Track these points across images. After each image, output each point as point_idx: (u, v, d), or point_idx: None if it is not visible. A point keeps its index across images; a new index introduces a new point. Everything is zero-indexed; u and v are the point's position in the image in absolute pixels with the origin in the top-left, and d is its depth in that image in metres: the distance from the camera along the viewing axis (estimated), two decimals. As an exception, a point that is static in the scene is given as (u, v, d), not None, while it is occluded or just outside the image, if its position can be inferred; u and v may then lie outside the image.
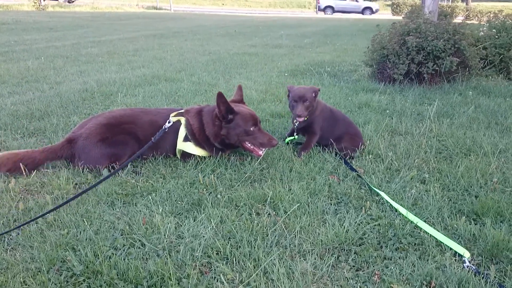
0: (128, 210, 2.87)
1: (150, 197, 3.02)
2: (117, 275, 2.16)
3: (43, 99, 5.68)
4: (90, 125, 3.57)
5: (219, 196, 3.07)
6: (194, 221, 2.73)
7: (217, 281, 2.18)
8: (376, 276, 2.23)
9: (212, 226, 2.65)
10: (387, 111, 5.23)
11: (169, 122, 3.67)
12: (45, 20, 22.70)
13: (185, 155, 3.73)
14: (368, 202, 2.93)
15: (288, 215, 2.78)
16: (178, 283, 2.13)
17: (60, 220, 2.70)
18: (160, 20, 26.72)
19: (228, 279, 2.19)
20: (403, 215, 2.78)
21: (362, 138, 3.97)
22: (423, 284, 2.17)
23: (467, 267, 2.31)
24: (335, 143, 3.83)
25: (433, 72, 6.62)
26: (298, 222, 2.68)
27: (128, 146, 3.57)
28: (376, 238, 2.57)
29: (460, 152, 3.89)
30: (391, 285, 2.15)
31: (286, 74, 7.99)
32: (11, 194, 3.05)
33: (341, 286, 2.16)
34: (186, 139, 3.69)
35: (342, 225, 2.65)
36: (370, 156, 3.73)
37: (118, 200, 3.00)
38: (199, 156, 3.72)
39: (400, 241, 2.54)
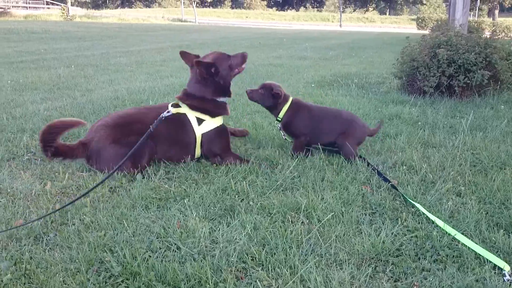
0: (162, 214, 2.89)
1: (183, 202, 3.04)
2: (155, 277, 2.17)
3: (75, 106, 5.81)
4: (99, 128, 3.61)
5: (251, 203, 3.06)
6: (228, 226, 2.73)
7: (253, 287, 2.17)
8: (415, 287, 2.18)
9: (246, 232, 2.64)
10: (419, 123, 5.17)
11: (168, 112, 3.69)
12: (73, 30, 23.27)
13: (210, 151, 3.81)
14: (404, 213, 2.89)
15: (322, 224, 2.75)
16: (215, 287, 2.13)
17: (97, 222, 2.74)
18: (185, 32, 27.14)
19: (264, 285, 2.18)
20: (440, 227, 2.73)
21: (365, 133, 4.03)
22: (464, 296, 2.12)
23: (508, 280, 2.25)
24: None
25: (464, 85, 6.53)
26: (333, 231, 2.66)
27: (145, 146, 3.55)
28: (414, 249, 2.52)
29: (495, 165, 3.81)
30: (432, 296, 2.10)
31: (313, 85, 8.00)
32: (48, 196, 3.11)
33: (380, 296, 2.12)
34: (199, 121, 3.75)
35: (378, 235, 2.61)
36: (404, 167, 3.68)
37: (152, 204, 3.03)
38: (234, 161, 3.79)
39: (438, 253, 2.49)
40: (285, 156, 3.95)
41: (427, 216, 2.86)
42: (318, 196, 3.15)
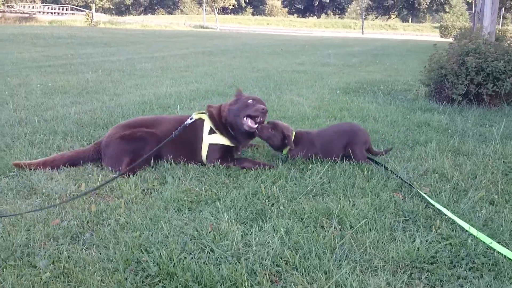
0: (194, 216, 2.92)
1: (215, 205, 3.07)
2: (192, 278, 2.19)
3: (104, 109, 5.91)
4: (112, 128, 3.97)
5: (282, 207, 3.07)
6: (260, 230, 2.74)
7: (288, 291, 2.17)
8: (452, 295, 2.16)
9: (279, 236, 2.65)
10: (449, 130, 5.11)
11: (191, 119, 3.88)
12: (98, 36, 23.69)
13: (212, 155, 3.89)
14: (437, 221, 2.86)
15: (355, 230, 2.74)
16: (251, 290, 2.14)
17: (131, 222, 2.78)
18: (207, 38, 27.37)
19: (299, 289, 2.18)
20: (474, 235, 2.69)
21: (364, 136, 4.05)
22: (503, 306, 2.08)
23: None
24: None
25: (493, 93, 6.44)
26: (367, 238, 2.64)
27: (147, 143, 3.75)
28: (449, 257, 2.49)
29: (529, 174, 3.75)
30: (470, 305, 2.08)
31: (338, 92, 7.98)
32: (83, 197, 3.16)
33: (417, 303, 2.10)
34: (211, 132, 3.90)
35: (413, 242, 2.59)
36: (436, 175, 3.64)
37: (184, 206, 3.06)
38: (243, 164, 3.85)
39: (474, 261, 2.46)
40: (315, 161, 3.94)
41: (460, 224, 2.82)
42: (349, 202, 3.14)
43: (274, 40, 27.76)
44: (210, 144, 3.89)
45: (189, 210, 3.02)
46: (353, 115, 5.96)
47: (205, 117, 3.96)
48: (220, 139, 3.90)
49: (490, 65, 6.35)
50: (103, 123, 5.16)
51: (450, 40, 8.12)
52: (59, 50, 15.42)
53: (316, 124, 5.37)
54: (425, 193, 3.28)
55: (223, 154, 3.90)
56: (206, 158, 3.91)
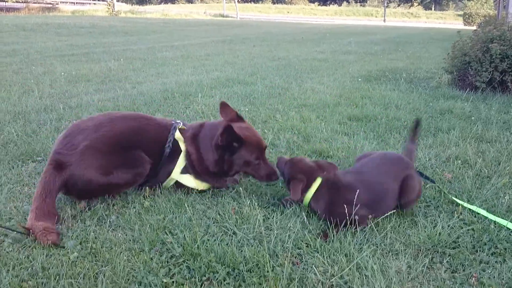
0: (217, 201, 2.97)
1: (236, 190, 3.11)
2: (215, 259, 2.24)
3: (127, 97, 6.00)
4: (84, 149, 2.78)
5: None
6: (281, 215, 2.78)
7: (309, 272, 2.21)
8: (473, 279, 2.16)
9: (301, 220, 2.68)
10: (472, 118, 5.04)
11: (168, 147, 3.07)
12: (119, 25, 23.84)
13: (180, 185, 3.13)
14: (459, 206, 2.85)
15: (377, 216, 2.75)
16: (273, 270, 2.18)
17: (156, 206, 2.85)
18: (227, 27, 27.31)
19: (320, 271, 2.21)
20: (492, 220, 2.69)
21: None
22: (526, 290, 2.08)
23: None
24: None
25: (518, 81, 6.31)
26: (388, 222, 2.65)
27: (132, 178, 2.94)
28: (471, 242, 2.49)
29: (554, 162, 3.69)
30: (490, 287, 2.07)
31: (359, 80, 7.92)
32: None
33: (438, 286, 2.12)
34: (184, 170, 3.10)
35: (434, 227, 2.59)
36: (458, 161, 3.62)
37: (207, 191, 3.11)
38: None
39: (496, 246, 2.45)
40: (335, 148, 3.94)
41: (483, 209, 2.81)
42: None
43: (295, 29, 27.54)
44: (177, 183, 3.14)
45: (211, 195, 3.07)
46: (375, 102, 5.92)
47: (181, 145, 3.10)
48: (192, 183, 3.10)
49: (516, 51, 6.21)
50: (126, 111, 5.24)
51: (474, 28, 7.92)
52: (82, 39, 15.60)
53: (338, 112, 5.36)
54: (448, 181, 3.27)
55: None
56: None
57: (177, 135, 3.10)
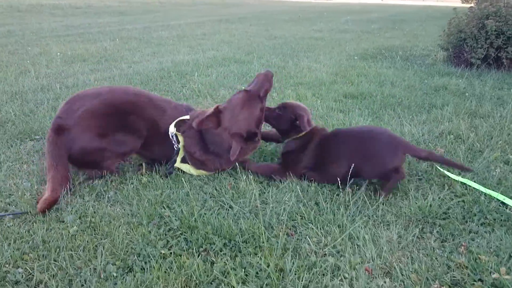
0: (214, 176, 3.02)
1: (234, 165, 3.16)
2: (212, 231, 2.31)
3: (123, 76, 6.01)
4: (83, 113, 2.87)
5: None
6: (277, 189, 2.83)
7: (303, 243, 2.27)
8: (462, 247, 2.23)
9: (296, 194, 2.74)
10: (466, 94, 5.09)
11: (171, 134, 3.05)
12: (115, 5, 23.64)
13: None
14: (451, 179, 2.91)
15: (370, 188, 2.81)
16: (268, 241, 2.24)
17: (153, 182, 2.90)
18: (224, 6, 27.08)
19: (314, 241, 2.28)
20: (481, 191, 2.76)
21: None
22: (511, 256, 2.15)
23: None
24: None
25: (513, 57, 6.34)
26: (380, 195, 2.72)
27: (128, 146, 3.00)
28: (461, 213, 2.56)
29: (546, 136, 3.75)
30: (479, 255, 2.15)
31: (355, 58, 7.92)
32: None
33: (427, 254, 2.18)
34: (184, 160, 3.13)
35: (425, 199, 2.65)
36: (451, 136, 3.67)
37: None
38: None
39: (486, 216, 2.52)
40: (330, 125, 3.99)
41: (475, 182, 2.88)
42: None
43: (292, 7, 27.34)
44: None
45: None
46: (370, 80, 5.95)
47: (180, 138, 3.08)
48: (194, 172, 3.10)
49: (511, 28, 6.22)
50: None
51: (471, 5, 7.91)
52: (77, 20, 15.48)
53: (333, 90, 5.39)
54: (440, 155, 3.33)
55: None
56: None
57: (172, 129, 3.04)
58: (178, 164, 3.09)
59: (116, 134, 2.92)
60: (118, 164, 3.13)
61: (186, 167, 3.09)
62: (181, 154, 3.10)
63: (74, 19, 16.08)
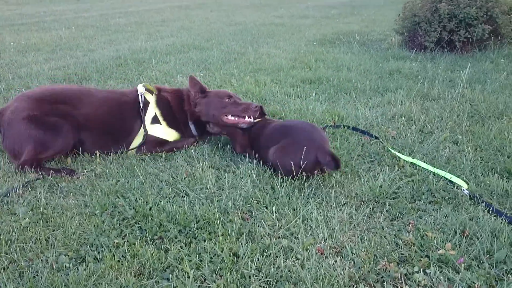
0: (170, 164, 3.02)
1: (189, 153, 3.16)
2: (166, 218, 2.31)
3: (78, 65, 5.87)
4: (20, 98, 3.08)
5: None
6: (233, 175, 2.86)
7: (258, 226, 2.31)
8: (410, 225, 2.32)
9: (252, 179, 2.77)
10: (419, 77, 5.23)
11: (140, 94, 3.26)
12: (71, -8, 22.85)
13: (149, 148, 3.23)
14: (401, 160, 3.01)
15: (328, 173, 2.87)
16: (223, 226, 2.27)
17: (108, 172, 2.87)
18: (184, -8, 26.63)
19: (269, 225, 2.32)
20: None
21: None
22: (457, 232, 2.24)
23: (466, 193, 2.59)
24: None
25: (465, 40, 6.53)
26: (333, 177, 2.78)
27: (61, 133, 2.99)
28: (410, 192, 2.65)
29: (493, 116, 3.91)
30: (426, 232, 2.24)
31: (314, 43, 7.99)
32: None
33: (377, 233, 2.26)
34: (154, 121, 3.25)
35: (376, 180, 2.73)
36: (403, 118, 3.78)
37: (160, 156, 3.15)
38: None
39: (434, 195, 2.62)
40: (288, 110, 4.03)
41: (424, 162, 2.98)
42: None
43: (253, -7, 27.16)
44: (149, 135, 3.23)
45: (164, 160, 3.11)
46: (328, 65, 6.03)
47: (151, 99, 3.28)
48: (167, 133, 3.27)
49: (463, 11, 6.41)
50: (77, 79, 5.14)
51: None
52: (32, 8, 14.94)
53: (292, 75, 5.43)
54: (392, 137, 3.44)
55: (162, 147, 3.27)
56: (136, 148, 3.24)
57: (141, 89, 3.28)
58: (148, 126, 3.21)
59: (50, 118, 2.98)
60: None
61: (157, 128, 3.23)
62: (150, 115, 3.23)
63: (29, 7, 15.53)
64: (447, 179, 2.78)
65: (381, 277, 1.96)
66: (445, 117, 3.84)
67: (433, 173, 2.84)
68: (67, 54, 6.73)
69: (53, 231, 2.24)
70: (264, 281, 1.91)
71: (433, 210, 2.48)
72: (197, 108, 3.33)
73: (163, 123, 3.29)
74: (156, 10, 14.80)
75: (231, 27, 10.62)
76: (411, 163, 2.98)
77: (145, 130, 3.21)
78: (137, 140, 3.23)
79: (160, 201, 2.50)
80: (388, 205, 2.52)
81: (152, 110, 3.26)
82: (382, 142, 3.29)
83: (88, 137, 3.12)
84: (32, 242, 2.14)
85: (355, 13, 14.30)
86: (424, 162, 3.00)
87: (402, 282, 1.93)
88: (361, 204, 2.53)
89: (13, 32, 9.12)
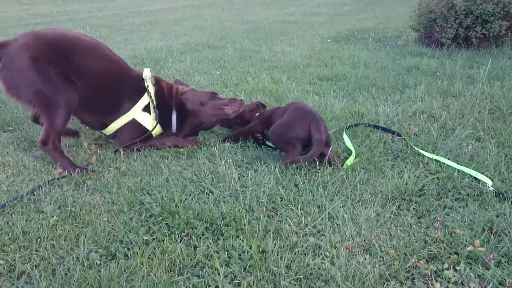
0: (192, 162, 3.03)
1: (211, 151, 3.17)
2: (193, 215, 2.32)
3: (96, 64, 5.89)
4: (29, 33, 2.94)
5: (275, 152, 3.18)
6: (256, 172, 2.86)
7: (284, 224, 2.31)
8: (438, 222, 2.30)
9: (275, 176, 2.77)
10: (438, 73, 5.19)
11: (144, 77, 3.21)
12: (83, -8, 22.99)
13: (126, 137, 3.19)
14: (425, 157, 2.99)
15: (347, 169, 2.86)
16: (249, 224, 2.27)
17: (132, 169, 2.89)
18: (195, -9, 26.67)
19: (294, 222, 2.32)
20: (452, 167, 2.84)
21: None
22: (485, 229, 2.23)
23: (492, 190, 2.57)
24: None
25: (482, 36, 6.46)
26: (358, 175, 2.77)
27: (61, 93, 2.85)
28: (436, 189, 2.63)
29: (514, 112, 3.87)
30: (454, 229, 2.22)
31: (329, 40, 7.96)
32: (84, 146, 3.26)
33: (405, 230, 2.25)
34: (145, 109, 3.20)
35: (401, 178, 2.72)
36: (424, 115, 3.75)
37: (182, 153, 3.16)
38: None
39: (459, 192, 2.60)
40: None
41: (449, 159, 2.96)
42: (341, 143, 3.25)
43: (263, -9, 27.14)
44: (132, 122, 3.17)
45: (187, 157, 3.12)
46: (344, 62, 6.00)
47: (151, 88, 3.21)
48: (151, 123, 3.22)
49: (479, 7, 6.34)
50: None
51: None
52: (45, 8, 15.06)
53: (308, 72, 5.42)
54: (415, 134, 3.42)
55: (140, 139, 3.20)
56: (114, 135, 3.24)
57: (147, 73, 3.23)
58: (134, 112, 3.15)
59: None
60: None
61: (144, 117, 3.18)
62: (144, 103, 3.18)
63: (42, 7, 15.65)
64: (472, 176, 2.76)
65: (411, 275, 1.95)
66: (466, 113, 3.81)
67: (458, 170, 2.82)
68: (83, 54, 6.77)
69: (82, 228, 2.25)
70: (294, 279, 1.91)
71: (459, 207, 2.46)
72: (184, 96, 3.33)
73: (153, 114, 3.21)
74: (168, 9, 14.85)
75: (243, 25, 10.62)
76: (435, 160, 2.96)
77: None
78: (119, 122, 3.16)
79: (185, 199, 2.51)
80: (415, 203, 2.50)
81: (146, 98, 3.19)
82: (405, 139, 3.26)
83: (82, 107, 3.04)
84: (62, 239, 2.16)
85: (367, 10, 14.22)
86: (448, 159, 2.98)
87: (432, 279, 1.92)
88: (386, 201, 2.52)
89: (29, 32, 9.21)
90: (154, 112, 3.20)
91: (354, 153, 3.01)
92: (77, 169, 2.87)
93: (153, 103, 3.18)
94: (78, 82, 2.94)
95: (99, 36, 8.58)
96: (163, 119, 3.26)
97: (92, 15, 12.71)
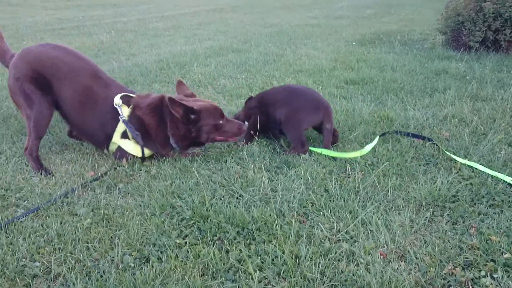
0: (221, 166, 3.03)
1: (239, 155, 3.17)
2: (224, 219, 2.32)
3: (123, 69, 5.98)
4: (21, 51, 3.25)
5: (303, 155, 3.16)
6: (285, 176, 2.85)
7: (316, 229, 2.29)
8: (473, 229, 2.26)
9: (305, 181, 2.75)
10: (467, 77, 5.10)
11: (117, 105, 3.07)
12: (107, -3, 23.35)
13: (122, 154, 3.12)
14: (458, 163, 2.93)
15: (377, 173, 2.83)
16: (281, 229, 2.26)
17: (162, 173, 2.91)
18: (217, -5, 26.83)
19: (326, 228, 2.30)
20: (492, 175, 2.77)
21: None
22: (522, 237, 2.18)
23: None
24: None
25: (511, 39, 6.33)
26: (389, 180, 2.73)
27: (33, 108, 3.10)
28: (469, 195, 2.58)
29: (547, 118, 3.77)
30: (490, 236, 2.17)
31: (353, 44, 7.90)
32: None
33: (440, 237, 2.21)
34: (124, 135, 3.10)
35: (434, 183, 2.67)
36: (455, 120, 3.69)
37: (210, 157, 3.17)
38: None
39: (494, 198, 2.54)
40: (334, 112, 3.99)
41: (482, 165, 2.90)
42: (372, 148, 3.21)
43: (285, -5, 27.13)
44: (119, 148, 3.13)
45: (215, 161, 3.13)
46: (370, 65, 5.95)
47: (124, 111, 3.07)
48: (132, 149, 3.10)
49: (508, 10, 6.21)
50: (123, 82, 5.22)
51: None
52: (70, 13, 15.32)
53: (334, 76, 5.39)
54: (446, 139, 3.36)
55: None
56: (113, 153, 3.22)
57: (117, 100, 3.08)
58: (116, 139, 3.10)
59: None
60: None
61: (126, 144, 3.09)
62: (121, 130, 3.08)
63: (68, 12, 15.92)
64: (506, 182, 2.70)
65: (448, 282, 1.91)
66: (498, 118, 3.73)
67: (491, 176, 2.76)
68: (110, 58, 6.87)
69: (116, 231, 2.28)
70: (328, 285, 1.89)
71: (494, 213, 2.41)
72: (193, 133, 3.08)
73: (132, 140, 3.08)
74: (191, 14, 14.95)
75: (266, 29, 10.62)
76: (468, 165, 2.90)
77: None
78: (112, 147, 3.17)
79: (216, 203, 2.51)
80: (449, 209, 2.45)
81: (122, 126, 3.07)
82: (437, 145, 3.21)
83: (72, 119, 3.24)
84: (96, 242, 2.19)
85: (391, 13, 14.08)
86: (481, 164, 2.92)
87: (469, 287, 1.88)
88: (420, 208, 2.48)
89: (54, 36, 9.38)
90: (133, 138, 3.05)
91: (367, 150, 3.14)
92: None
93: (130, 128, 3.03)
94: (61, 104, 3.18)
95: (125, 41, 8.70)
96: (148, 140, 3.09)
97: (117, 20, 12.89)
